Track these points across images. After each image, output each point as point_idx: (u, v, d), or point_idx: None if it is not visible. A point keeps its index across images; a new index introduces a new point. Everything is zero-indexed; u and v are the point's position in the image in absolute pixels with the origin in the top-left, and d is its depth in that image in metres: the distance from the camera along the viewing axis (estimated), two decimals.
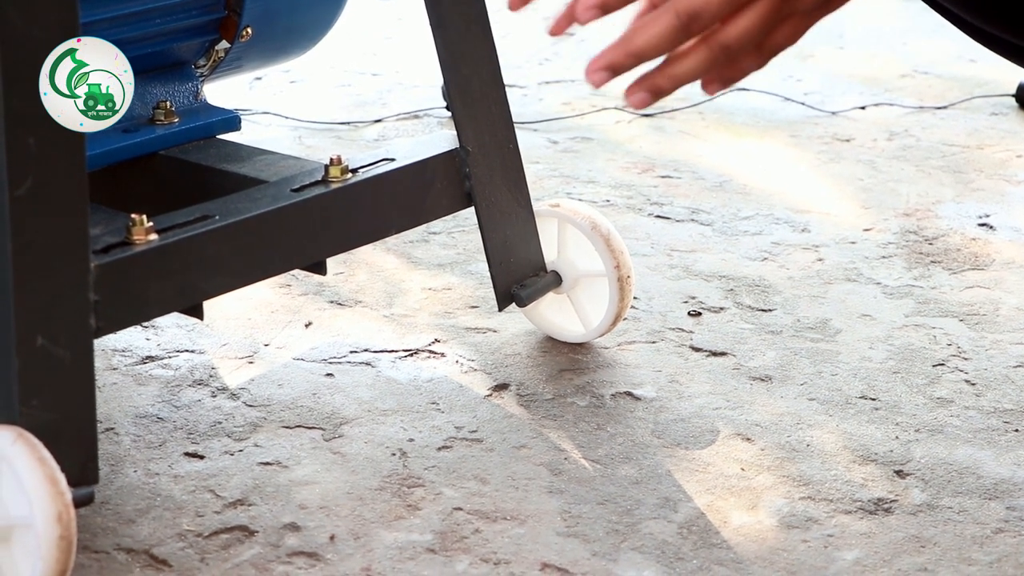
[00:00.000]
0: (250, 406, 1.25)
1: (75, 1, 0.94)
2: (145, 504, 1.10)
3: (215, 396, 1.26)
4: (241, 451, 1.18)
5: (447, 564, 1.04)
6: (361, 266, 1.53)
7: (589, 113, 2.07)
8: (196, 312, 1.09)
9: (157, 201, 1.21)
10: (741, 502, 1.12)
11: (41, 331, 0.96)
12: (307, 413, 1.24)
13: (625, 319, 1.39)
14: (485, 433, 1.21)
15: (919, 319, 1.42)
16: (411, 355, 1.34)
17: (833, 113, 2.09)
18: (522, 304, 1.30)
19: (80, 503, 0.97)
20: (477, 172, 1.24)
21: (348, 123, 2.03)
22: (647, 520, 1.09)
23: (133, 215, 1.03)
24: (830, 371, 1.32)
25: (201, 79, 1.29)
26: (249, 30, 1.26)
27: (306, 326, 1.40)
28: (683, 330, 1.40)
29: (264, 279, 1.14)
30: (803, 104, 2.12)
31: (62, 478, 0.93)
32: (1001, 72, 2.17)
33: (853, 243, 1.61)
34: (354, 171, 1.18)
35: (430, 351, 1.35)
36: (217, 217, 1.08)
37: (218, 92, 1.42)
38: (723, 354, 1.35)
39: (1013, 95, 2.13)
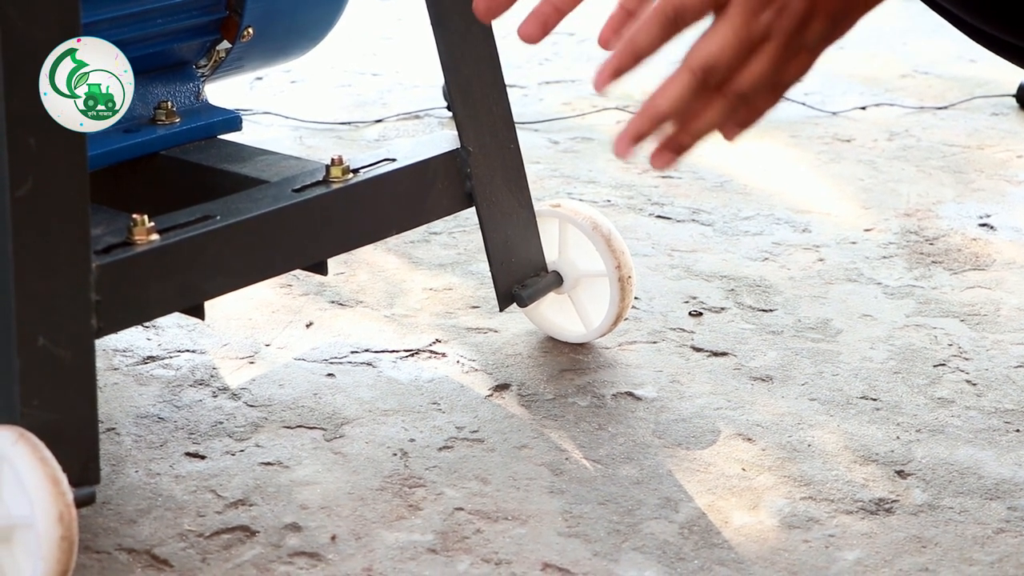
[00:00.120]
0: (251, 406, 1.25)
1: (76, 1, 0.94)
2: (146, 504, 1.10)
3: (216, 396, 1.26)
4: (242, 451, 1.18)
5: (448, 564, 1.04)
6: (362, 266, 1.53)
7: (589, 113, 2.07)
8: (197, 312, 1.09)
9: (158, 201, 1.21)
10: (742, 502, 1.12)
11: (42, 331, 0.96)
12: (308, 413, 1.24)
13: (626, 319, 1.39)
14: (486, 433, 1.21)
15: (920, 319, 1.42)
16: (412, 355, 1.34)
17: (833, 113, 2.09)
18: (523, 304, 1.31)
19: (81, 503, 0.97)
20: (478, 172, 1.24)
21: (349, 123, 2.03)
22: (648, 520, 1.09)
23: (134, 215, 1.04)
24: (831, 371, 1.32)
25: (202, 79, 1.29)
26: (250, 30, 1.26)
27: (307, 326, 1.40)
28: (684, 330, 1.40)
29: (265, 279, 1.14)
30: (803, 104, 2.12)
31: (63, 478, 0.93)
32: (1001, 72, 2.17)
33: (854, 243, 1.61)
34: (355, 171, 1.18)
35: (431, 351, 1.35)
36: (218, 217, 1.08)
37: (219, 92, 1.42)
38: (724, 354, 1.35)
39: (1013, 95, 2.13)
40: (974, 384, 1.30)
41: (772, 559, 1.05)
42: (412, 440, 1.20)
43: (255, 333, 1.38)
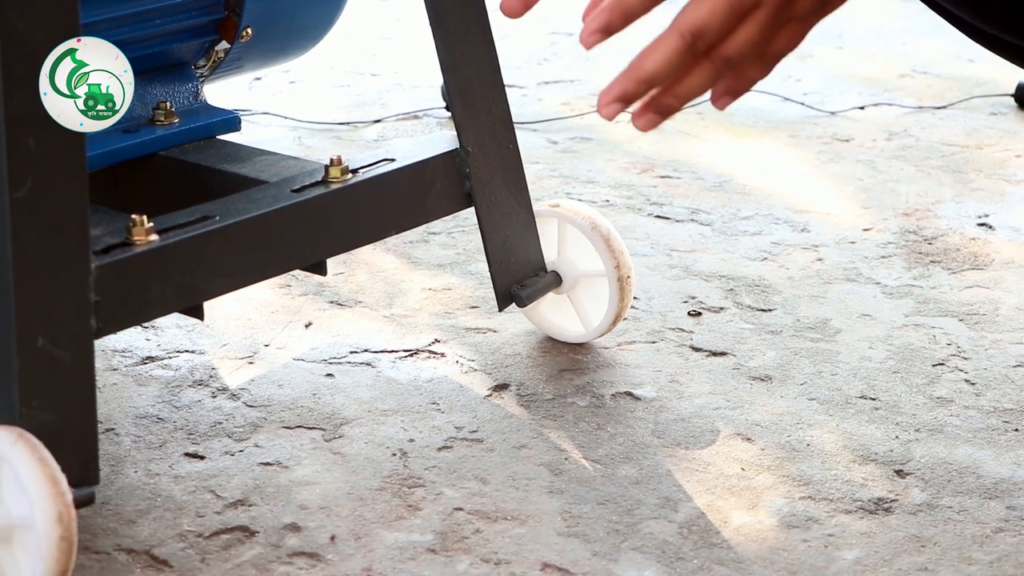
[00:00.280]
0: (250, 406, 1.25)
1: (76, 1, 0.94)
2: (146, 504, 1.10)
3: (215, 396, 1.26)
4: (241, 451, 1.18)
5: (448, 564, 1.04)
6: (361, 266, 1.53)
7: (588, 113, 2.07)
8: (196, 312, 1.09)
9: (157, 202, 1.21)
10: (741, 502, 1.12)
11: (41, 332, 0.96)
12: (307, 413, 1.24)
13: (625, 319, 1.39)
14: (485, 433, 1.21)
15: (919, 319, 1.42)
16: (411, 355, 1.34)
17: (832, 113, 2.09)
18: (522, 304, 1.31)
19: (81, 504, 0.97)
20: (477, 172, 1.24)
21: (348, 123, 2.03)
22: (647, 520, 1.09)
23: (133, 216, 1.04)
24: (830, 371, 1.32)
25: (201, 80, 1.29)
26: (249, 31, 1.26)
27: (306, 326, 1.40)
28: (683, 330, 1.40)
29: (264, 280, 1.14)
30: (802, 104, 2.12)
31: (63, 479, 0.93)
32: (1000, 72, 2.17)
33: (853, 243, 1.61)
34: (354, 171, 1.18)
35: (430, 351, 1.35)
36: (217, 218, 1.08)
37: (218, 92, 1.42)
38: (723, 354, 1.35)
39: (1012, 95, 2.13)
40: (973, 383, 1.30)
41: (771, 559, 1.05)
42: (411, 440, 1.20)
43: (254, 333, 1.38)
